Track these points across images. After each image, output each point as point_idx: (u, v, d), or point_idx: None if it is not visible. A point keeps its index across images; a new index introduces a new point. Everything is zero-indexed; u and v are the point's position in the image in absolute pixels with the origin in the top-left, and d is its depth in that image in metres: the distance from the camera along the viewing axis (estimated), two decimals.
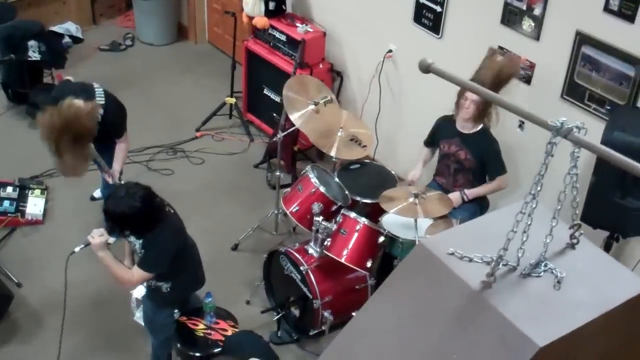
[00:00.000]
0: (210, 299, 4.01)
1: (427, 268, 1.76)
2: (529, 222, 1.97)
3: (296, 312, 4.70)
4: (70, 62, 6.93)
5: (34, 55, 6.23)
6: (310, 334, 4.66)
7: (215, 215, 5.73)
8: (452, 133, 4.75)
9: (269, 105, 6.34)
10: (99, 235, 3.64)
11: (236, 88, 6.66)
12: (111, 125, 4.75)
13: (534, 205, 1.98)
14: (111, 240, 3.69)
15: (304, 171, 4.78)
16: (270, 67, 6.23)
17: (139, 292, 4.35)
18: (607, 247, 4.38)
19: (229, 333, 3.90)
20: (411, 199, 4.20)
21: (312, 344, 4.79)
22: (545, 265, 2.10)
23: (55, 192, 5.78)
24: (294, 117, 4.90)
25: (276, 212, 5.47)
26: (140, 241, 3.74)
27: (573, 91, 4.58)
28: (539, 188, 1.98)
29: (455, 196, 4.64)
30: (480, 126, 4.69)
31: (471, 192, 4.69)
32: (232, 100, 6.59)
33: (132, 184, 3.72)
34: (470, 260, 1.86)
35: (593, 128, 4.48)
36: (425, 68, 2.13)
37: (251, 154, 6.40)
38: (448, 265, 1.75)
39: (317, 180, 4.61)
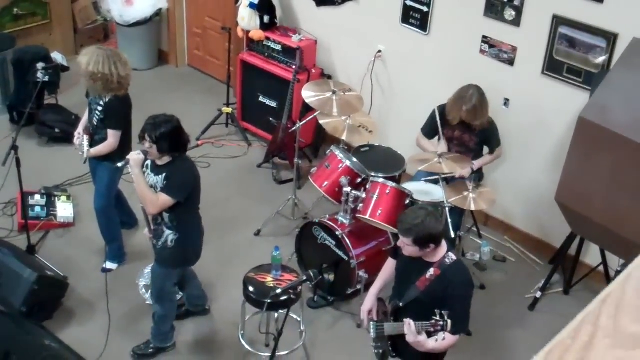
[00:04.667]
0: (277, 252, 4.52)
1: None
2: None
3: (330, 277, 5.23)
4: (61, 88, 7.33)
5: (42, 76, 6.59)
6: (348, 292, 5.20)
7: (230, 209, 6.23)
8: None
9: (265, 112, 6.92)
10: (137, 154, 4.19)
11: (224, 99, 7.23)
12: (108, 113, 4.95)
13: None
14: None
15: (328, 151, 5.37)
16: (266, 76, 6.83)
17: (143, 280, 5.13)
18: None
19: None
20: (435, 159, 4.88)
21: (346, 305, 5.34)
22: None
23: (79, 199, 6.14)
24: (313, 102, 5.45)
25: (294, 197, 6.02)
26: (164, 174, 4.23)
27: (553, 67, 5.37)
28: None
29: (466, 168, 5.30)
30: None
31: (478, 163, 5.37)
32: (229, 110, 7.15)
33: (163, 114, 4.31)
34: None
35: (574, 94, 5.31)
36: None
37: (251, 157, 6.94)
38: None
39: (343, 156, 5.21)
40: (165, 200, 4.21)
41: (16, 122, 7.02)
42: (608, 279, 5.35)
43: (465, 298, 3.66)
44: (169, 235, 4.38)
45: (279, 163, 6.77)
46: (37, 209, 5.80)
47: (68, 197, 6.03)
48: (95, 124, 5.06)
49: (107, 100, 4.95)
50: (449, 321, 3.44)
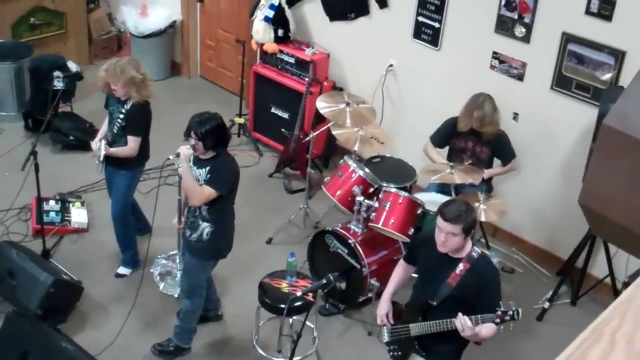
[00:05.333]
0: (293, 259, 4.61)
1: None
2: None
3: (342, 285, 5.31)
4: (75, 97, 7.46)
5: (58, 84, 6.70)
6: (359, 300, 5.29)
7: (242, 217, 6.22)
8: (465, 131, 5.51)
9: (277, 123, 7.04)
10: (187, 148, 4.35)
11: (235, 110, 7.34)
12: (129, 119, 5.10)
13: None
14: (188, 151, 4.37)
15: (342, 161, 5.47)
16: (279, 88, 6.96)
17: (158, 268, 5.33)
18: None
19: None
20: (448, 170, 4.99)
21: (357, 313, 5.42)
22: None
23: (92, 205, 6.24)
24: (327, 113, 5.57)
25: (305, 206, 6.13)
26: (208, 168, 4.39)
27: (561, 82, 5.49)
28: None
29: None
30: None
31: (489, 172, 5.48)
32: (242, 120, 7.27)
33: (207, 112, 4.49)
34: None
35: (581, 109, 5.43)
36: None
37: (263, 167, 7.05)
38: None
39: (356, 166, 5.32)
40: (210, 192, 4.38)
41: (31, 129, 7.15)
42: (615, 291, 5.45)
43: (498, 286, 3.82)
44: (205, 228, 4.53)
45: (290, 173, 6.88)
46: (52, 214, 5.90)
47: (82, 203, 6.14)
48: (116, 131, 5.18)
49: (129, 106, 5.08)
50: (520, 310, 3.58)
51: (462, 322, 3.61)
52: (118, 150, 5.15)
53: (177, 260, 5.36)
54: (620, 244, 2.00)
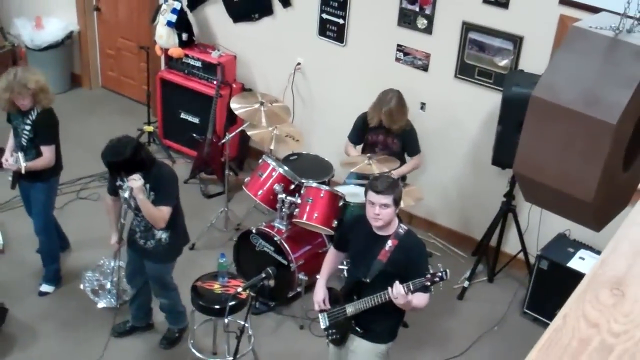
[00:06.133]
0: (224, 259, 4.64)
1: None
2: None
3: (270, 282, 5.36)
4: None
5: None
6: (289, 296, 5.37)
7: None
8: (376, 126, 5.65)
9: (187, 128, 7.02)
10: (136, 180, 4.27)
11: (143, 119, 7.28)
12: (39, 128, 4.96)
13: None
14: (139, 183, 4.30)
15: (260, 160, 5.52)
16: (187, 92, 6.94)
17: (89, 285, 5.29)
18: (512, 185, 5.53)
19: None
20: (366, 161, 5.14)
21: (287, 309, 5.50)
22: None
23: (5, 226, 6.04)
24: (242, 113, 5.63)
25: (226, 209, 6.15)
26: (148, 186, 4.37)
27: (464, 70, 5.74)
28: None
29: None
30: None
31: (396, 172, 5.62)
32: (151, 129, 7.20)
33: (115, 138, 4.42)
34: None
35: (485, 95, 5.69)
36: None
37: (177, 173, 6.96)
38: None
39: (275, 165, 5.39)
40: (168, 210, 4.44)
41: None
42: (528, 265, 5.75)
43: (426, 258, 4.12)
44: (162, 234, 4.58)
45: (205, 178, 6.87)
46: None
47: None
48: (25, 144, 5.02)
49: (34, 116, 4.95)
50: (447, 270, 3.84)
51: (397, 290, 3.77)
52: (35, 163, 5.00)
53: (105, 268, 5.33)
54: (552, 207, 2.16)
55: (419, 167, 5.83)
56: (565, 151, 2.05)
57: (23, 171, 4.94)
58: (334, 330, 4.17)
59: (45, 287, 5.44)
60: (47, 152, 5.01)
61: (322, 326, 4.22)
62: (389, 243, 3.91)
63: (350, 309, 4.05)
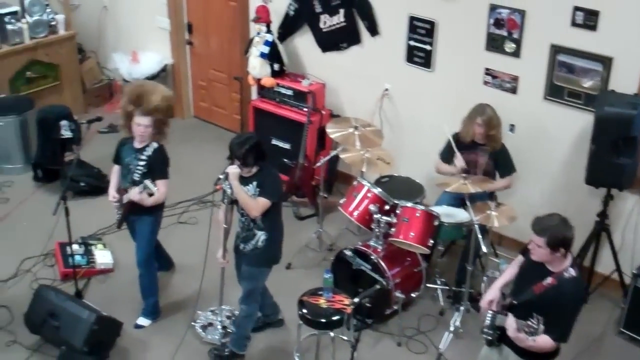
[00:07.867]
0: (329, 275, 4.84)
1: None
2: None
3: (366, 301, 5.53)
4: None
5: (66, 133, 6.90)
6: (386, 313, 5.52)
7: None
8: (468, 144, 5.82)
9: (278, 154, 7.29)
10: (234, 167, 4.70)
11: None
12: (155, 164, 5.25)
13: None
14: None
15: (355, 182, 5.75)
16: (278, 120, 7.24)
17: (200, 322, 5.50)
18: (605, 204, 5.59)
19: (348, 303, 4.70)
20: (461, 181, 5.29)
21: (384, 326, 5.64)
22: None
23: (113, 246, 6.40)
24: (337, 137, 5.87)
25: (320, 230, 6.38)
26: (255, 183, 4.76)
27: (554, 92, 5.84)
28: None
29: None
30: None
31: (489, 187, 5.73)
32: None
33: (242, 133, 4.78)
34: None
35: (574, 115, 5.78)
36: None
37: None
38: None
39: (370, 186, 5.60)
40: (265, 202, 4.76)
41: (40, 179, 7.30)
42: (623, 284, 5.76)
43: (573, 313, 4.00)
44: (261, 236, 4.89)
45: (297, 201, 7.12)
46: (77, 257, 6.04)
47: (104, 245, 6.31)
48: (137, 179, 5.19)
49: (151, 152, 5.24)
50: (542, 327, 3.78)
51: (509, 322, 3.85)
52: (156, 199, 5.21)
53: (218, 315, 5.50)
54: None
55: (510, 187, 5.94)
56: None
57: (156, 194, 5.15)
58: (490, 332, 4.17)
59: (141, 321, 5.61)
60: (162, 186, 5.23)
61: (485, 324, 4.21)
62: (549, 280, 3.92)
63: (498, 319, 4.10)
